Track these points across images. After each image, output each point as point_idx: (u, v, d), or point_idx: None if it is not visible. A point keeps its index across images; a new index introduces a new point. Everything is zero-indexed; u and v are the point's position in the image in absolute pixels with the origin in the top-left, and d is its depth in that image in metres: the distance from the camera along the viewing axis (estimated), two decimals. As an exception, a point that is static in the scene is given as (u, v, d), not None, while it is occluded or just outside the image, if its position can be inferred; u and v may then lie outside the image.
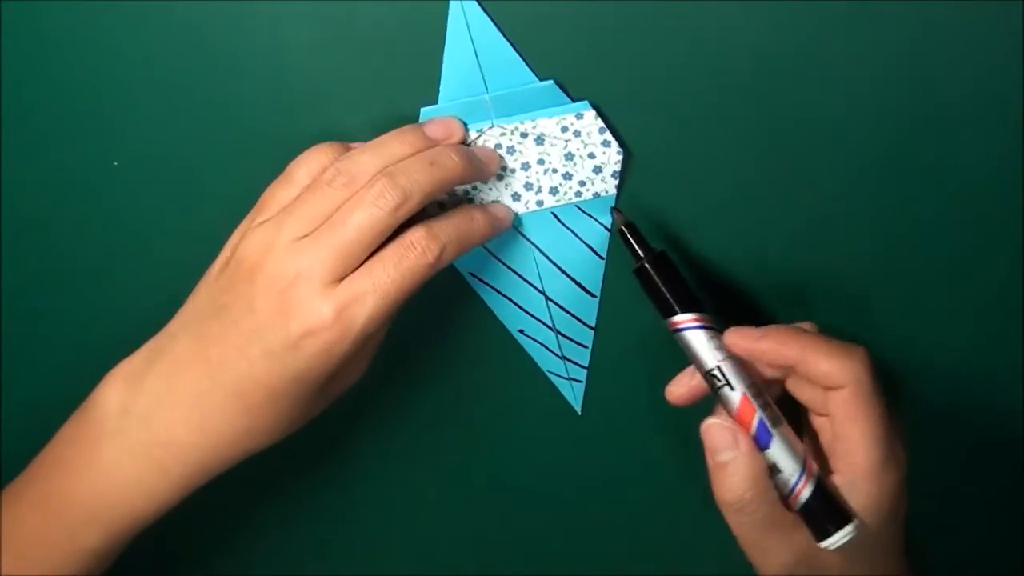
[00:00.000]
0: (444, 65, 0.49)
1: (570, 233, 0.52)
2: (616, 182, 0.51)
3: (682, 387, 0.49)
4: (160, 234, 0.51)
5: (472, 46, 0.48)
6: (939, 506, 0.59)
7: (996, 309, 0.54)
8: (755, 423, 0.46)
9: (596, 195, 0.51)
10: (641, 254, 0.48)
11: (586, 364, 0.55)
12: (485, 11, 0.48)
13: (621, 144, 0.50)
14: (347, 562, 0.59)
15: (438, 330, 0.54)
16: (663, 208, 0.52)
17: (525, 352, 0.55)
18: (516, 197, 0.50)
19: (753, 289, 0.54)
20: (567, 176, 0.50)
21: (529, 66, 0.49)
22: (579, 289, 0.53)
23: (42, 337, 0.53)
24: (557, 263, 0.52)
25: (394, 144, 0.45)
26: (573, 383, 0.55)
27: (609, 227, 0.52)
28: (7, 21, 0.48)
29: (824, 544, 0.45)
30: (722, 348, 0.46)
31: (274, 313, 0.43)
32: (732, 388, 0.46)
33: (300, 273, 0.43)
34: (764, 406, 0.46)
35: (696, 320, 0.47)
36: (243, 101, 0.49)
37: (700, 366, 0.47)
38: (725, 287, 0.54)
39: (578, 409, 0.56)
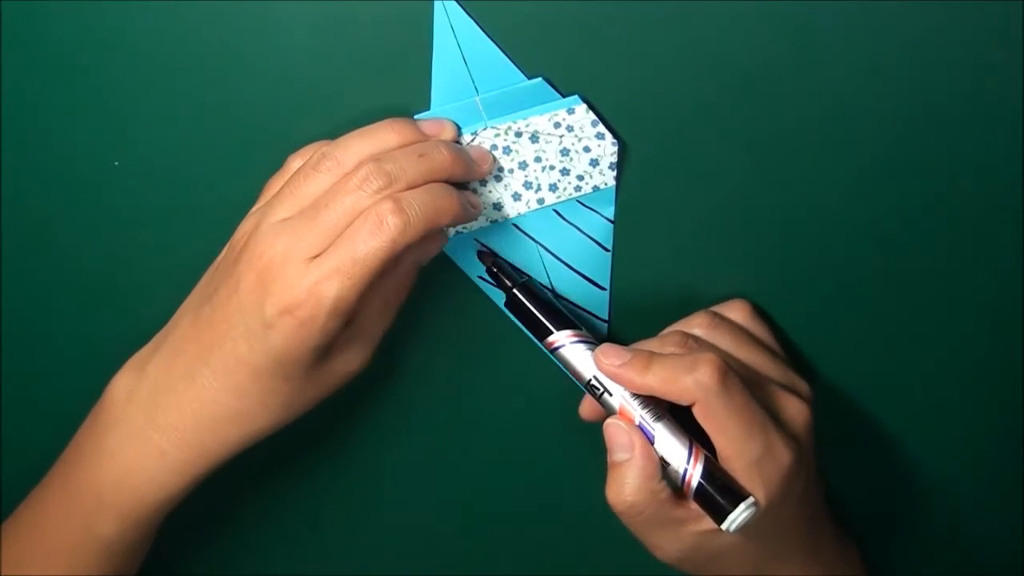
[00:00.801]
0: (433, 70, 0.49)
1: (574, 228, 0.52)
2: (614, 173, 0.50)
3: (586, 405, 0.51)
4: (160, 233, 0.52)
5: (459, 49, 0.49)
6: (938, 506, 0.58)
7: (996, 310, 0.53)
8: (635, 422, 0.46)
9: (596, 188, 0.51)
10: (509, 284, 0.50)
11: (603, 359, 0.55)
12: (467, 12, 0.48)
13: (615, 136, 0.50)
14: (360, 562, 0.59)
15: (452, 334, 0.55)
16: (662, 199, 0.52)
17: (541, 350, 0.55)
18: (516, 197, 0.51)
19: (750, 281, 0.53)
20: (565, 172, 0.50)
21: (516, 65, 0.49)
22: (588, 284, 0.53)
23: (42, 337, 0.54)
24: (563, 259, 0.52)
25: (383, 131, 0.46)
26: (591, 379, 0.55)
27: (612, 219, 0.52)
28: (7, 21, 0.49)
29: (724, 526, 0.44)
30: None
31: (254, 292, 0.43)
32: (610, 394, 0.47)
33: (279, 253, 0.43)
34: (644, 405, 0.47)
35: (570, 336, 0.48)
36: (241, 103, 0.50)
37: (580, 379, 0.48)
38: (723, 279, 0.53)
39: (599, 405, 0.56)
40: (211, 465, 0.46)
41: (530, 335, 0.50)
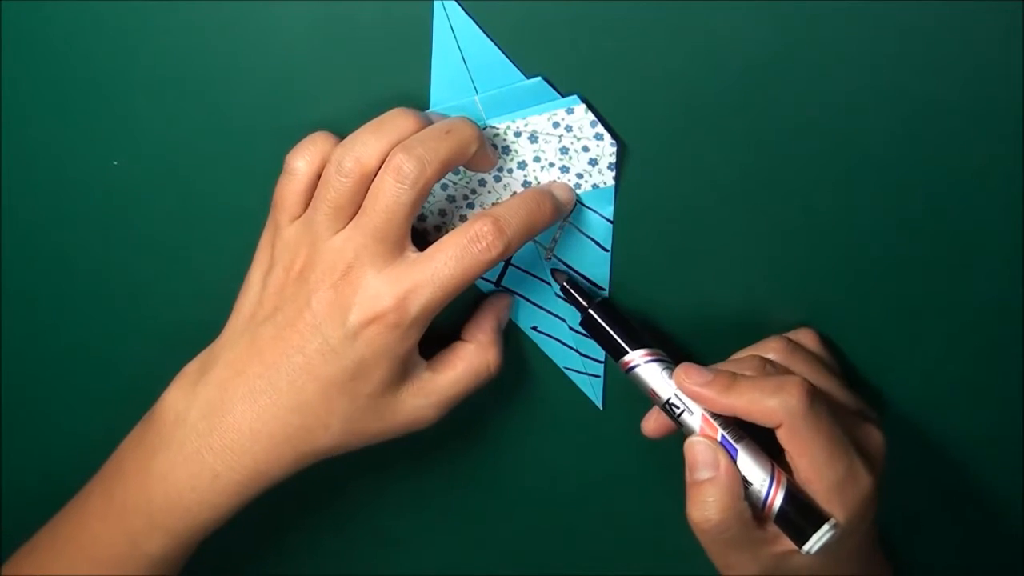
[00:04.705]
0: (432, 69, 0.49)
1: (573, 228, 0.52)
2: (613, 174, 0.50)
3: (650, 421, 0.51)
4: (160, 234, 0.52)
5: (458, 48, 0.49)
6: (937, 507, 0.58)
7: (996, 311, 0.53)
8: (718, 440, 0.47)
9: (595, 187, 0.51)
10: (585, 304, 0.50)
11: (602, 359, 0.55)
12: (467, 12, 0.48)
13: (614, 136, 0.50)
14: (361, 563, 0.60)
15: (450, 333, 0.55)
16: (661, 200, 0.52)
17: (540, 350, 0.55)
18: (516, 196, 0.51)
19: (749, 282, 0.53)
20: (564, 170, 0.50)
21: (516, 64, 0.49)
22: (587, 284, 0.53)
23: (41, 338, 0.54)
24: (563, 259, 0.52)
25: (396, 119, 0.45)
26: (591, 378, 0.55)
27: (611, 219, 0.52)
28: (7, 21, 0.49)
29: (806, 548, 0.45)
30: None
31: (331, 307, 0.44)
32: (691, 412, 0.47)
33: (351, 265, 0.44)
34: (725, 424, 0.47)
35: (645, 355, 0.48)
36: (240, 103, 0.50)
37: (657, 399, 0.48)
38: (724, 282, 0.53)
39: (599, 404, 0.56)
40: (263, 486, 0.46)
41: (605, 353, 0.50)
